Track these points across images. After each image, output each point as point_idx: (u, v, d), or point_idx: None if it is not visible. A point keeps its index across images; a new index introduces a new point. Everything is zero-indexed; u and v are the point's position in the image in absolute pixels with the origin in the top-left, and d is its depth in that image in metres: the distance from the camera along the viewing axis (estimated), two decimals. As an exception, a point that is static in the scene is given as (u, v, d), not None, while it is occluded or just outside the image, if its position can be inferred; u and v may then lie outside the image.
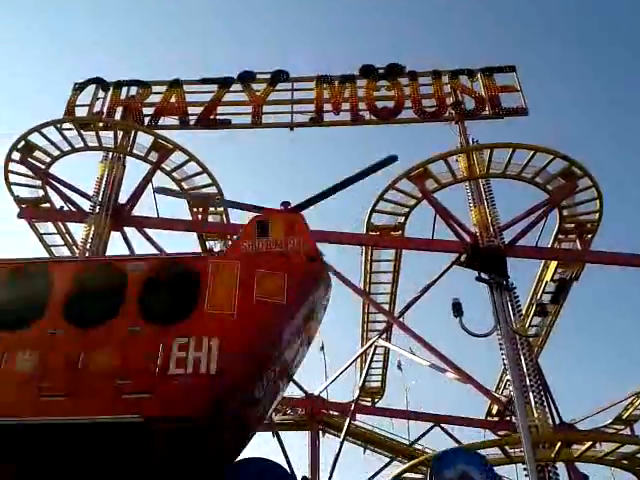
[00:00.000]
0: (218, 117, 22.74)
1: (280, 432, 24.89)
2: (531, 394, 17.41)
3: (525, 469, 16.21)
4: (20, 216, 21.80)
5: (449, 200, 21.38)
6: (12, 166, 21.40)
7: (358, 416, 27.63)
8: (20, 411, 4.72)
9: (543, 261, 22.53)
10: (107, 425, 4.80)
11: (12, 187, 21.68)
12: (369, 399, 29.96)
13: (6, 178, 21.41)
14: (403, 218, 21.67)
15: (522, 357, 17.80)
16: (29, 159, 21.40)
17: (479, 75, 23.29)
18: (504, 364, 18.51)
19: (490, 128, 23.03)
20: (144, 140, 21.79)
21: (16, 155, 21.18)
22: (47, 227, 22.46)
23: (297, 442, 26.15)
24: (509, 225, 20.49)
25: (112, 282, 5.55)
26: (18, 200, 21.84)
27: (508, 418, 22.12)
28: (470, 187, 21.04)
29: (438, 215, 20.62)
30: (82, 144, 21.63)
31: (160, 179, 22.06)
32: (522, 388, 17.17)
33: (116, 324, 5.24)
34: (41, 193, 22.08)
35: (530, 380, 17.65)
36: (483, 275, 18.28)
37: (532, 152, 20.07)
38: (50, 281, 5.44)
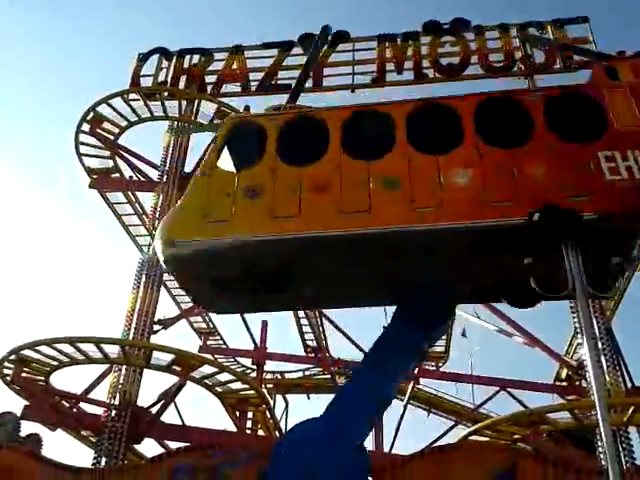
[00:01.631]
0: (279, 82, 22.70)
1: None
2: (603, 358, 17.00)
3: (597, 433, 15.93)
4: (91, 186, 22.57)
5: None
6: (82, 137, 22.11)
7: (422, 380, 27.70)
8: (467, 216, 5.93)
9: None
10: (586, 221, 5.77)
11: (83, 158, 22.44)
12: (433, 363, 29.96)
13: (77, 149, 22.16)
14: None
15: (594, 320, 17.32)
16: (98, 130, 22.05)
17: (549, 27, 22.20)
18: (575, 327, 18.07)
19: (560, 82, 21.96)
20: (208, 108, 22.06)
21: (86, 127, 21.84)
22: (117, 197, 23.17)
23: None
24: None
25: (520, 111, 6.58)
26: (89, 170, 22.63)
27: (578, 383, 21.71)
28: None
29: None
30: (148, 114, 22.11)
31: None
32: (595, 351, 16.75)
33: (532, 145, 6.26)
34: (111, 163, 22.77)
35: (602, 343, 17.22)
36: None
37: (606, 107, 19.15)
38: (390, 117, 6.74)
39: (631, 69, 6.96)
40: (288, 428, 8.61)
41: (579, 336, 17.57)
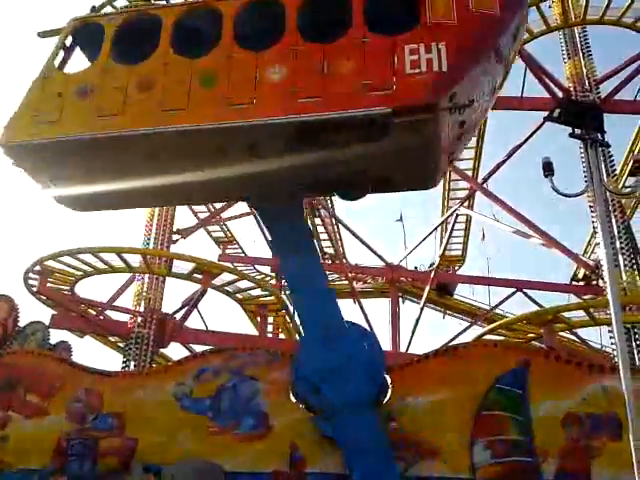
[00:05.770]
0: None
1: (362, 300, 25.84)
2: (620, 257, 16.97)
3: (610, 331, 16.18)
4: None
5: (540, 54, 19.79)
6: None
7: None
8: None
9: (642, 118, 20.88)
10: None
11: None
12: (449, 267, 30.18)
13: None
14: (489, 74, 20.31)
15: (613, 219, 17.15)
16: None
17: None
18: (593, 227, 17.91)
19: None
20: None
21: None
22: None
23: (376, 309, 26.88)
24: (606, 78, 18.91)
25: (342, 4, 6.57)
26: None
27: (595, 282, 21.79)
28: (564, 37, 19.38)
29: (529, 69, 19.16)
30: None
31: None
32: (612, 250, 16.68)
33: (347, 39, 6.47)
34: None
35: (620, 243, 17.13)
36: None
37: (635, -6, 18.00)
38: (219, 13, 6.82)
39: None
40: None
41: (597, 235, 17.45)
